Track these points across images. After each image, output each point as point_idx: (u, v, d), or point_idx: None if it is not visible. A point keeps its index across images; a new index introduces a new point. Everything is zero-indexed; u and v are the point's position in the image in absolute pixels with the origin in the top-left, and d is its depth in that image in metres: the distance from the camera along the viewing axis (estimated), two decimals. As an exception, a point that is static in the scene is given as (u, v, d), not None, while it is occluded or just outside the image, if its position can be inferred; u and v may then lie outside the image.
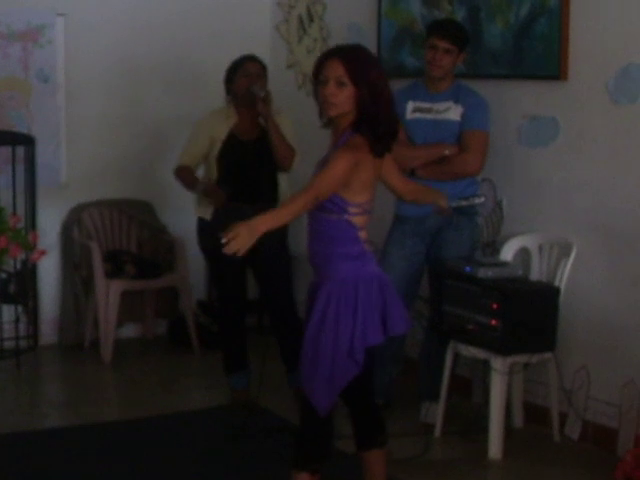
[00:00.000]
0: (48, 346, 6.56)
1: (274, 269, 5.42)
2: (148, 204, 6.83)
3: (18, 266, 6.14)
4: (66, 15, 6.44)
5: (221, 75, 5.42)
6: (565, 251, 5.03)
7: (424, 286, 5.40)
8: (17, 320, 6.24)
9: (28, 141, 6.28)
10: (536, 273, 5.09)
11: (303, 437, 3.77)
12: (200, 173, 5.54)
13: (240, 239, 3.40)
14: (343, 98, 3.58)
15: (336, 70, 3.58)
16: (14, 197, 6.16)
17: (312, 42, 6.70)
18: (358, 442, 3.87)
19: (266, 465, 4.61)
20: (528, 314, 4.73)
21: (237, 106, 5.36)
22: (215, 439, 4.96)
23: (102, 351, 6.32)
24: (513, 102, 5.30)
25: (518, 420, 5.17)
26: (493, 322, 4.70)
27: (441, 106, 5.08)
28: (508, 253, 5.05)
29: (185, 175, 5.37)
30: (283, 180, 5.39)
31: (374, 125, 3.61)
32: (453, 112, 5.05)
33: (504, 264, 4.97)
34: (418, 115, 5.12)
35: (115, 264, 6.42)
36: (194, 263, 6.58)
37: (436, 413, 5.10)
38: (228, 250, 3.38)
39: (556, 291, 4.89)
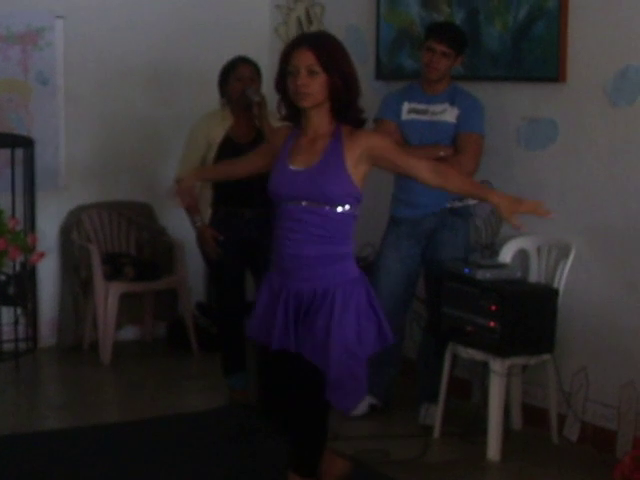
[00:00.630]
0: (47, 348, 6.55)
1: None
2: (147, 206, 6.84)
3: (17, 268, 6.14)
4: (65, 17, 6.44)
5: (221, 78, 5.44)
6: (563, 253, 5.03)
7: (421, 288, 5.41)
8: (16, 322, 6.24)
9: (27, 143, 6.29)
10: (535, 275, 5.09)
11: (308, 445, 3.78)
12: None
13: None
14: (317, 87, 3.51)
15: (306, 59, 3.50)
16: (13, 199, 6.16)
17: (311, 44, 6.69)
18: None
19: (265, 466, 4.61)
20: (527, 316, 4.74)
21: (232, 109, 5.36)
22: (214, 440, 4.96)
23: (101, 353, 6.32)
24: (512, 104, 5.31)
25: (517, 422, 5.17)
26: (492, 324, 4.70)
27: (437, 108, 5.09)
28: (507, 255, 5.06)
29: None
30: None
31: (350, 113, 3.58)
32: (449, 114, 5.06)
33: (503, 266, 4.98)
34: (414, 116, 5.13)
35: (114, 266, 6.42)
36: (193, 265, 6.58)
37: (435, 415, 5.10)
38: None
39: (555, 293, 4.89)
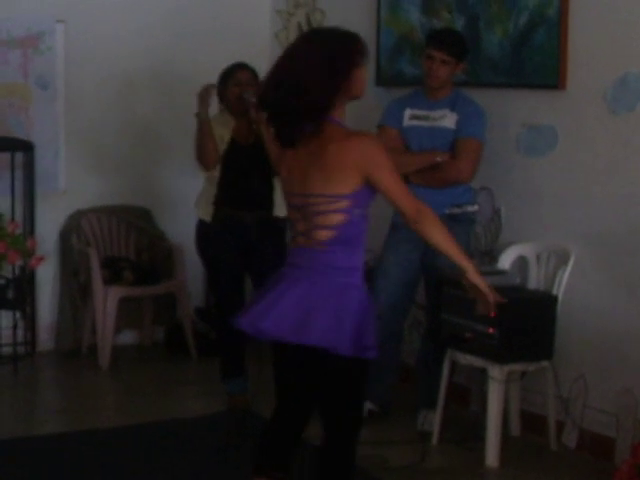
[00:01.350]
0: (46, 352, 6.55)
1: (271, 274, 5.40)
2: (147, 211, 6.84)
3: (16, 272, 6.14)
4: (66, 22, 6.45)
5: (221, 84, 5.44)
6: (563, 260, 5.03)
7: (421, 294, 5.41)
8: (15, 326, 6.24)
9: (27, 147, 6.29)
10: (534, 281, 5.09)
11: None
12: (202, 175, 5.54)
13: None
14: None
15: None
16: (13, 203, 6.17)
17: (311, 50, 6.69)
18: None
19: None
20: (525, 322, 4.74)
21: (231, 114, 5.38)
22: (212, 445, 4.95)
23: (100, 357, 6.32)
24: (512, 111, 5.31)
25: (515, 428, 5.17)
26: (490, 330, 4.70)
27: (437, 114, 5.10)
28: (506, 261, 5.05)
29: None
30: (279, 185, 5.40)
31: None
32: (448, 120, 5.07)
33: (502, 272, 4.97)
34: (415, 122, 5.14)
35: (113, 270, 6.42)
36: (192, 270, 6.58)
37: (433, 421, 5.10)
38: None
39: (554, 299, 4.89)
